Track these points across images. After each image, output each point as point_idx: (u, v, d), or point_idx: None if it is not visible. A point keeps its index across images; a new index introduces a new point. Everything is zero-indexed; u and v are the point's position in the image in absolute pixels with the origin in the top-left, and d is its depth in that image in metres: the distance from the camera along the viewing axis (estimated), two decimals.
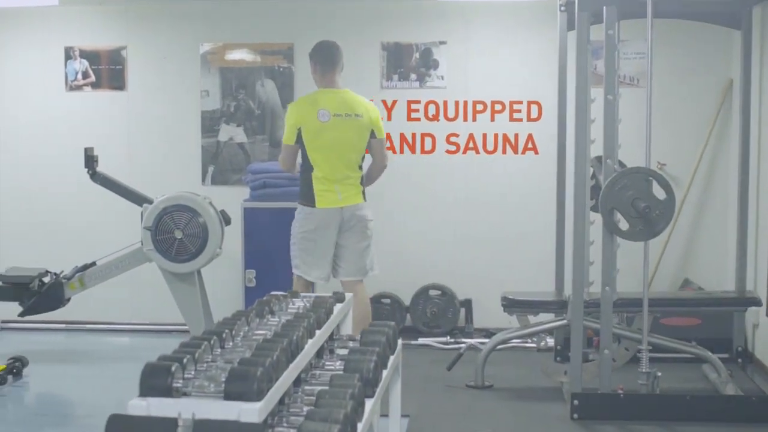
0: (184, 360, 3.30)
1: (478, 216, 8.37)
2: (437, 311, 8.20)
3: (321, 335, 4.24)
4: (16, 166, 8.72)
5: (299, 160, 6.57)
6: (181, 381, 3.16)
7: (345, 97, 6.50)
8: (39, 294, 7.54)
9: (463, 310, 8.29)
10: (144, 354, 3.63)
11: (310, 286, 6.64)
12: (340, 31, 8.23)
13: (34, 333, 8.53)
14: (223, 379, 3.12)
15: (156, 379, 3.12)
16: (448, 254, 8.40)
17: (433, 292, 8.26)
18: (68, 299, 7.66)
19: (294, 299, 4.88)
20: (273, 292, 5.02)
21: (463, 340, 7.85)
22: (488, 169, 8.33)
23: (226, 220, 7.44)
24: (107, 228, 8.40)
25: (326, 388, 3.65)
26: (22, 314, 7.68)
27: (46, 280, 7.61)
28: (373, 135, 6.55)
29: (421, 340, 8.01)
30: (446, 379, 6.81)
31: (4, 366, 6.85)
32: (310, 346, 3.97)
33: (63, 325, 8.62)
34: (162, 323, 8.41)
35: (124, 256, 7.47)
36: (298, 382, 3.90)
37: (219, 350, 3.67)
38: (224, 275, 8.14)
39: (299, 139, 6.42)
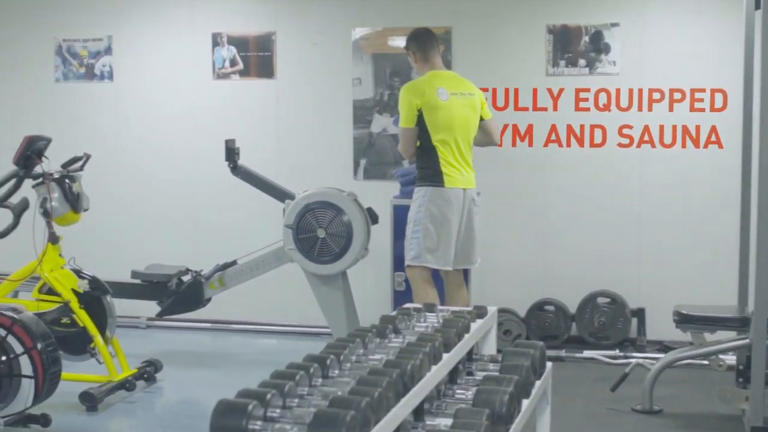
0: (268, 396, 2.73)
1: (653, 217, 7.56)
2: (606, 321, 7.45)
3: (449, 360, 3.61)
4: (161, 158, 8.40)
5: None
6: (260, 423, 2.61)
7: (455, 77, 6.44)
8: (177, 294, 7.17)
9: (634, 321, 7.50)
10: (289, 358, 3.18)
11: (431, 279, 6.20)
12: (502, 14, 7.64)
13: (179, 332, 8.22)
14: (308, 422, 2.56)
15: (229, 420, 2.58)
16: (618, 258, 7.63)
17: (601, 300, 7.52)
18: (208, 299, 7.28)
19: (428, 314, 4.27)
20: (407, 305, 4.45)
21: (634, 354, 7.10)
22: (665, 165, 7.50)
23: (372, 218, 6.90)
24: (251, 224, 7.98)
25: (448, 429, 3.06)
26: (159, 314, 7.35)
27: (186, 278, 7.24)
28: (480, 117, 6.41)
29: (587, 353, 7.27)
30: (610, 401, 6.09)
31: (136, 370, 6.48)
32: (431, 376, 3.34)
33: (209, 325, 8.28)
34: (311, 325, 7.94)
35: (266, 256, 7.02)
36: (420, 414, 3.32)
37: (320, 380, 3.10)
38: (372, 278, 7.62)
39: (419, 121, 6.15)
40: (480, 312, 4.37)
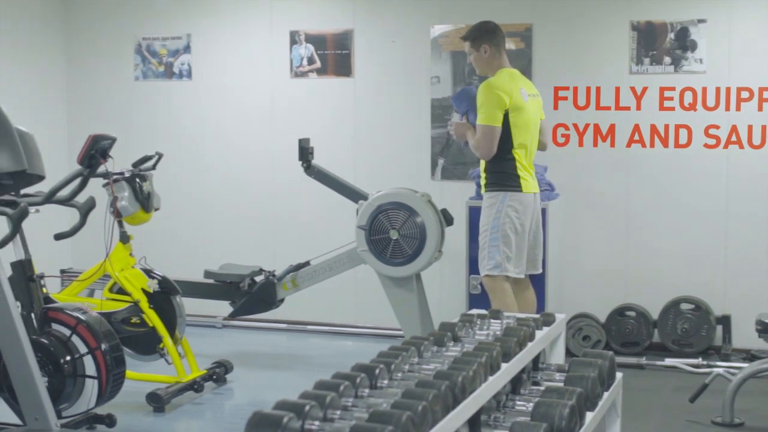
0: (307, 407, 2.61)
1: (740, 220, 7.27)
2: (689, 328, 7.19)
3: (507, 371, 3.44)
4: (238, 157, 8.35)
5: None
6: None
7: (524, 77, 6.32)
8: (250, 294, 7.10)
9: (719, 328, 7.22)
10: (362, 361, 3.10)
11: (510, 288, 6.02)
12: (584, 10, 7.43)
13: (255, 332, 8.18)
14: None
15: None
16: (703, 263, 7.35)
17: (685, 306, 7.26)
18: (281, 300, 7.18)
19: (493, 320, 4.12)
20: (472, 311, 4.30)
21: (718, 363, 6.82)
22: (753, 167, 7.21)
23: (447, 219, 6.74)
24: (325, 225, 7.89)
25: None
26: (232, 315, 7.29)
27: (258, 279, 7.16)
28: None
29: (668, 361, 7.01)
30: (689, 413, 5.84)
31: (205, 371, 6.41)
32: (486, 388, 3.18)
33: (285, 325, 8.20)
34: (386, 327, 7.81)
35: (339, 257, 6.90)
36: (476, 426, 3.17)
37: (367, 390, 2.97)
38: (447, 280, 7.47)
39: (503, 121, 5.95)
40: (547, 319, 4.19)
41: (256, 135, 8.26)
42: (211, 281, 7.26)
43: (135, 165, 6.34)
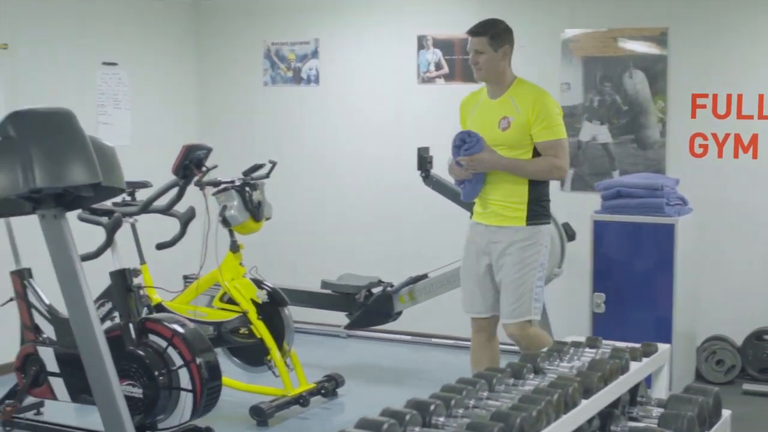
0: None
1: None
2: None
3: (587, 408, 3.15)
4: (362, 164, 8.20)
5: None
6: None
7: None
8: (366, 306, 6.93)
9: None
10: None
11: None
12: (725, 13, 7.02)
13: (378, 343, 8.02)
14: None
15: None
16: None
17: None
18: (398, 313, 7.00)
19: (588, 349, 3.82)
20: (567, 338, 4.02)
21: None
22: None
23: (569, 234, 6.43)
24: (445, 236, 7.64)
25: None
26: (348, 326, 7.14)
27: (376, 291, 6.99)
28: None
29: None
30: None
31: (314, 385, 6.27)
32: (556, 429, 2.91)
33: (409, 337, 8.00)
34: (508, 342, 7.51)
35: (455, 270, 6.66)
36: None
37: (417, 429, 2.75)
38: (569, 297, 7.12)
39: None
40: (647, 350, 3.87)
41: (381, 142, 8.09)
42: (328, 292, 7.13)
43: (246, 173, 6.24)
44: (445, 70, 7.82)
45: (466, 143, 5.28)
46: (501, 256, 5.29)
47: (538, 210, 5.29)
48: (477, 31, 5.42)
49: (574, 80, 7.42)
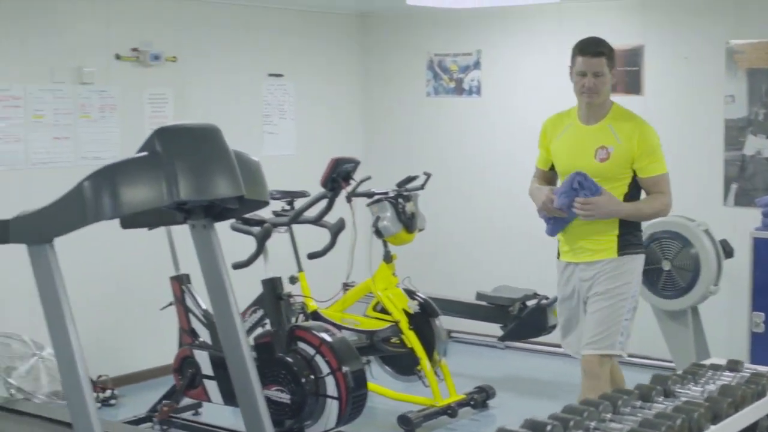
0: None
1: None
2: None
3: None
4: (523, 176, 8.13)
5: None
6: None
7: None
8: (520, 319, 6.92)
9: None
10: None
11: None
12: None
13: (536, 356, 7.97)
14: None
15: None
16: None
17: None
18: (552, 326, 6.95)
19: (728, 372, 3.74)
20: (708, 360, 3.94)
21: None
22: None
23: (726, 251, 6.27)
24: None
25: None
26: (502, 339, 7.16)
27: (530, 303, 6.97)
28: None
29: None
30: None
31: (463, 396, 6.30)
32: None
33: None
34: (656, 358, 7.38)
35: None
36: None
37: None
38: (727, 316, 6.93)
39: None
40: None
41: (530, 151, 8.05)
42: (482, 303, 7.16)
43: (399, 185, 6.32)
44: None
45: (584, 189, 4.77)
46: (590, 288, 4.92)
47: (629, 239, 4.91)
48: (597, 50, 4.95)
49: (738, 92, 7.21)
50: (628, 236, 4.89)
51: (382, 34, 8.82)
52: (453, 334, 8.08)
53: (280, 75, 8.13)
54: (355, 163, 5.34)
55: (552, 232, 5.06)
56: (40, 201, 3.50)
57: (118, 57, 6.99)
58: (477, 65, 8.34)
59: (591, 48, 4.93)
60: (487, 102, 8.34)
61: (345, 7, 8.47)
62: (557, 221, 4.96)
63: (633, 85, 7.62)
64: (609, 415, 3.10)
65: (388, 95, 8.82)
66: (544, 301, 6.89)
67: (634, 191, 4.91)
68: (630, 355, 7.38)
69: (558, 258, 5.11)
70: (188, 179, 3.66)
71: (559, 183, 5.07)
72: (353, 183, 5.39)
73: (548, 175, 5.19)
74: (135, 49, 7.08)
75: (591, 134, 4.92)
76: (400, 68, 8.75)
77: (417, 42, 8.64)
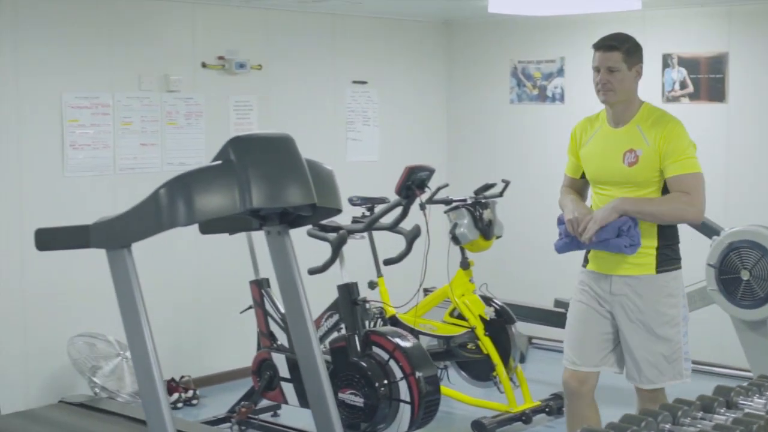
0: None
1: None
2: None
3: None
4: None
5: None
6: None
7: None
8: None
9: None
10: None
11: None
12: None
13: None
14: None
15: None
16: None
17: None
18: None
19: None
20: None
21: None
22: None
23: None
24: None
25: None
26: None
27: None
28: None
29: None
30: None
31: (539, 403, 6.33)
32: None
33: None
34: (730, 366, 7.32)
35: (691, 294, 6.51)
36: None
37: None
38: None
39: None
40: None
41: None
42: (561, 311, 7.14)
43: (477, 192, 6.38)
44: (690, 89, 7.68)
45: (628, 236, 4.46)
46: (631, 312, 4.57)
47: (668, 254, 4.57)
48: (609, 44, 4.61)
49: None
50: (667, 250, 4.56)
51: (466, 41, 8.87)
52: (533, 341, 8.10)
53: (364, 82, 8.24)
54: (430, 172, 5.40)
55: (562, 250, 4.78)
56: (128, 206, 3.67)
57: (204, 65, 7.17)
58: (560, 72, 8.35)
59: (604, 42, 4.64)
60: (570, 109, 8.33)
61: (429, 14, 8.54)
62: (574, 243, 4.66)
63: (716, 92, 7.56)
64: (668, 426, 3.12)
65: (471, 102, 8.88)
66: None
67: None
68: (707, 363, 7.44)
69: (584, 266, 4.74)
70: (261, 187, 3.77)
71: (590, 192, 4.80)
72: (427, 191, 5.44)
73: (579, 184, 4.88)
74: (221, 57, 7.25)
75: (619, 137, 4.60)
76: (483, 75, 8.80)
77: (500, 49, 8.68)
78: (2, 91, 6.28)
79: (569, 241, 4.66)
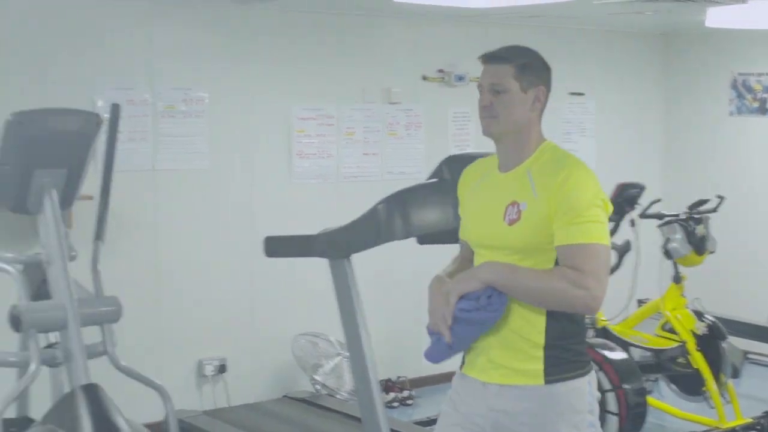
0: None
1: None
2: None
3: None
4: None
5: None
6: None
7: None
8: None
9: None
10: None
11: None
12: None
13: None
14: None
15: None
16: None
17: None
18: None
19: None
20: None
21: None
22: None
23: None
24: None
25: None
26: None
27: None
28: None
29: None
30: None
31: (750, 420, 6.28)
32: None
33: None
34: None
35: None
36: None
37: None
38: None
39: None
40: None
41: None
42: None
43: (691, 207, 6.39)
44: None
45: (491, 309, 3.03)
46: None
47: (562, 354, 3.05)
48: (498, 55, 3.20)
49: None
50: (559, 350, 3.05)
51: (685, 53, 8.83)
52: (749, 356, 7.99)
53: (581, 94, 8.33)
54: (640, 189, 5.48)
55: (432, 356, 3.17)
56: (350, 212, 3.96)
57: (424, 78, 7.44)
58: None
59: (491, 52, 3.23)
60: None
61: (647, 27, 8.54)
62: (440, 345, 3.12)
63: None
64: None
65: (689, 113, 8.82)
66: None
67: None
68: None
69: (460, 369, 3.26)
70: None
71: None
72: (637, 207, 5.52)
73: (470, 250, 3.36)
74: (441, 71, 7.50)
75: (505, 185, 3.18)
76: (701, 87, 8.74)
77: (720, 61, 8.59)
78: (237, 103, 6.72)
79: (435, 341, 3.15)
